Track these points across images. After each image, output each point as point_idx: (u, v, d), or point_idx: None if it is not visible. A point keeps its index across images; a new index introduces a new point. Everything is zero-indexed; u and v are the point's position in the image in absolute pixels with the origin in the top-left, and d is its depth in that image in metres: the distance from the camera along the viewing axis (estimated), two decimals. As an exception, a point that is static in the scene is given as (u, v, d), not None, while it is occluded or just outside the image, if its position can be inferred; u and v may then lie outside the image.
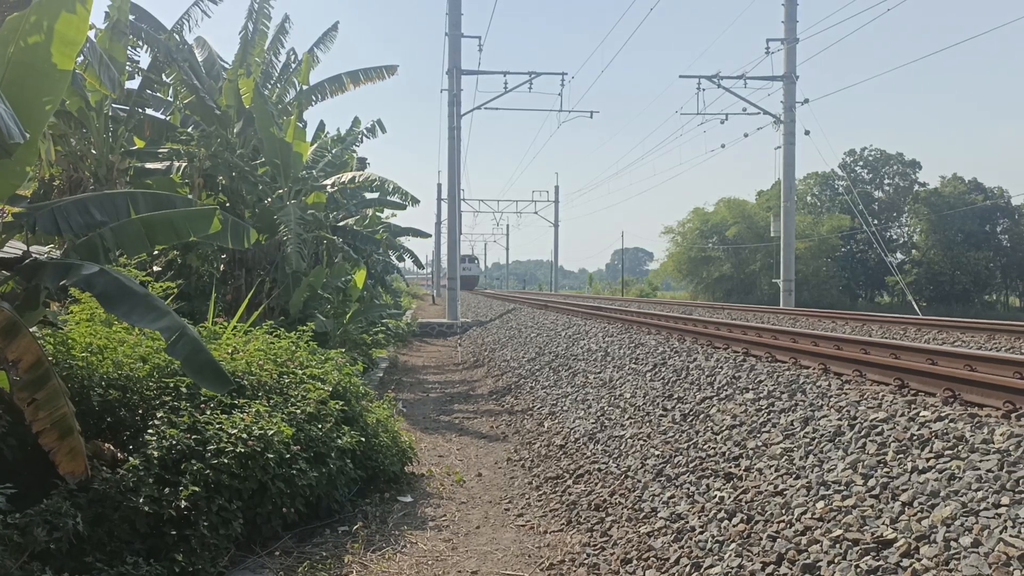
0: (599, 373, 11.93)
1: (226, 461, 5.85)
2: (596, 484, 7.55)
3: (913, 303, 32.64)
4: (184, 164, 14.77)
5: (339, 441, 7.14)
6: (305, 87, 18.24)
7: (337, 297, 15.57)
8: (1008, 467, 4.29)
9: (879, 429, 5.59)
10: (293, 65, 18.97)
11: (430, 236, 48.61)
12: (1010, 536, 3.77)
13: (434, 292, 73.61)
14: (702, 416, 7.86)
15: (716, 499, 5.93)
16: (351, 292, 16.21)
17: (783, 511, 5.19)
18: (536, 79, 31.24)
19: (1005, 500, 4.01)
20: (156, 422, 6.05)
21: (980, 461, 4.50)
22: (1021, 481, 4.11)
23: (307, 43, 19.84)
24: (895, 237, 70.27)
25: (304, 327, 9.26)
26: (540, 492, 7.87)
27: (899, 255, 67.15)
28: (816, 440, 5.95)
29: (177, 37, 15.68)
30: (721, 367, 9.19)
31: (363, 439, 7.56)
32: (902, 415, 5.69)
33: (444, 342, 26.63)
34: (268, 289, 14.82)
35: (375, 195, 22.29)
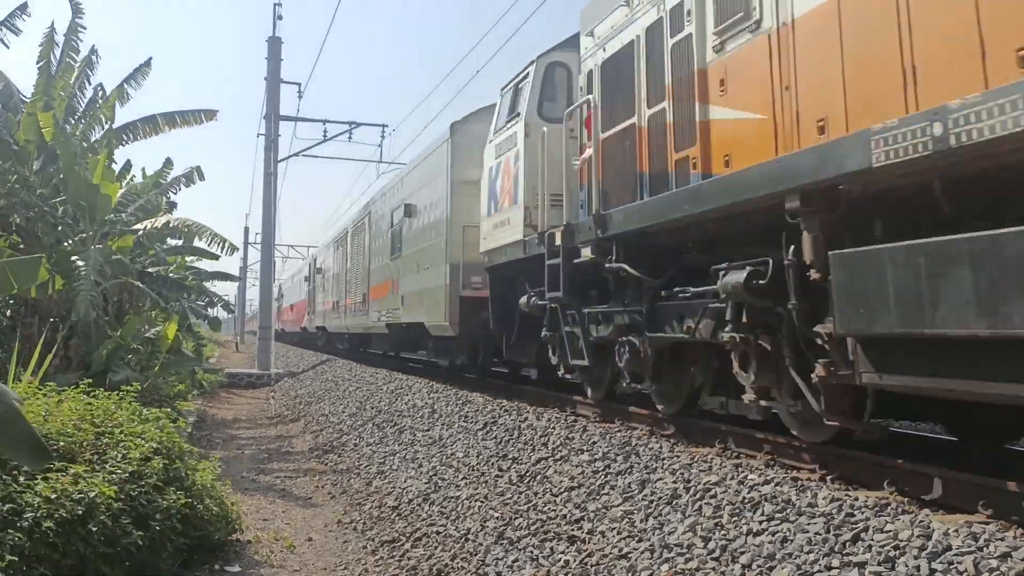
0: (427, 431, 11.87)
1: (45, 528, 5.31)
2: (436, 548, 7.48)
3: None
4: (-27, 201, 13.41)
5: (162, 501, 6.63)
6: (114, 125, 17.18)
7: (146, 348, 14.54)
8: (834, 530, 4.72)
9: (712, 492, 5.97)
10: (100, 101, 17.81)
11: (238, 280, 46.42)
12: (843, 596, 4.15)
13: (238, 339, 70.10)
14: (539, 477, 8.03)
15: (562, 562, 6.05)
16: (160, 343, 15.19)
17: (630, 574, 5.39)
18: (356, 129, 31.25)
19: (835, 563, 4.40)
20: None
21: (808, 524, 4.92)
22: (847, 544, 4.54)
23: (118, 79, 18.73)
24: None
25: (128, 387, 8.61)
26: (377, 556, 7.68)
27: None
28: (655, 502, 6.25)
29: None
30: (554, 427, 9.43)
31: (190, 500, 7.08)
32: (732, 478, 6.10)
33: (254, 393, 25.47)
34: (65, 338, 13.59)
35: (179, 242, 21.18)
